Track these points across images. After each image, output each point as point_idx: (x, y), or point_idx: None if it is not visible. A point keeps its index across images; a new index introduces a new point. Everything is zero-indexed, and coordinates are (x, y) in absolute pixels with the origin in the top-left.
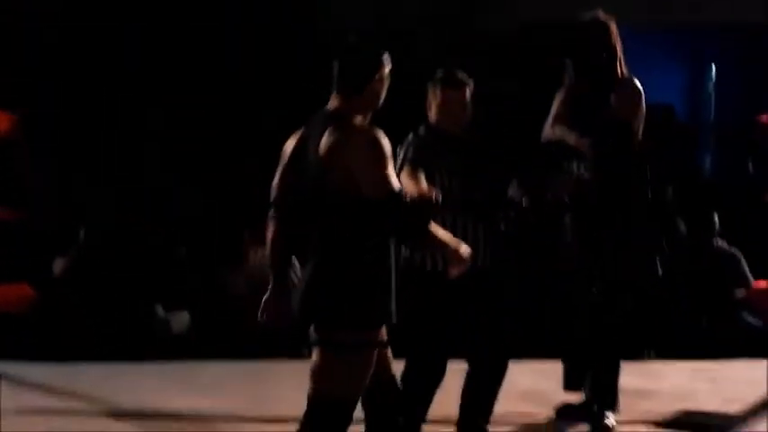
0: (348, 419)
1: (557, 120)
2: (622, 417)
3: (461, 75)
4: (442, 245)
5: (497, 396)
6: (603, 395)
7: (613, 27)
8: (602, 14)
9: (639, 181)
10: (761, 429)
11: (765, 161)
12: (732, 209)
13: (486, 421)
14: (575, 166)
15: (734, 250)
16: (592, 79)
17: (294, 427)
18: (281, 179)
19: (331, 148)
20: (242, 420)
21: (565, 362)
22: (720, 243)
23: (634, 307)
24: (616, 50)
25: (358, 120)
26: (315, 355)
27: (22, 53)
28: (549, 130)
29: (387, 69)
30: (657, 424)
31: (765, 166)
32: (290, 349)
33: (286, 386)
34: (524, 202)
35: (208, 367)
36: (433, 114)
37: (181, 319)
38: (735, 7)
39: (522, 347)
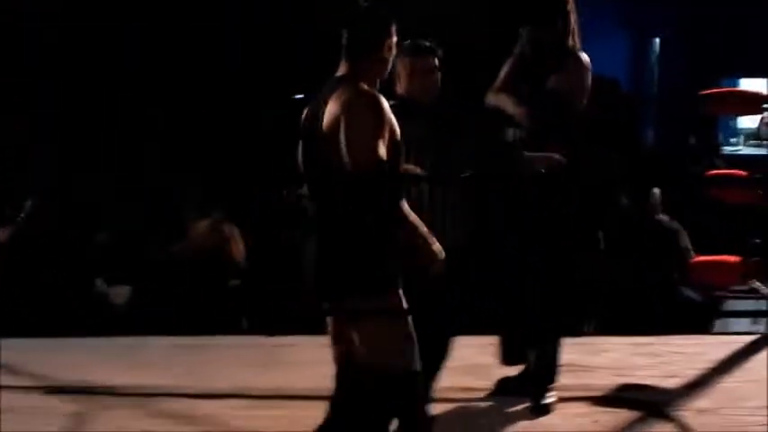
0: (407, 394)
1: (501, 88)
2: (562, 392)
3: (430, 43)
4: (417, 236)
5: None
6: (545, 370)
7: None
8: None
9: (580, 154)
10: (701, 404)
11: (708, 135)
12: (675, 183)
13: None
14: (511, 134)
15: (676, 224)
16: (542, 49)
17: (236, 401)
18: (300, 153)
19: (334, 112)
20: (183, 396)
21: (502, 335)
22: (663, 217)
23: (575, 280)
24: (570, 20)
25: (364, 86)
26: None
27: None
28: (491, 97)
29: (395, 38)
30: (597, 399)
31: (707, 140)
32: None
33: (226, 362)
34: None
35: (149, 342)
36: (401, 85)
37: (122, 293)
38: None
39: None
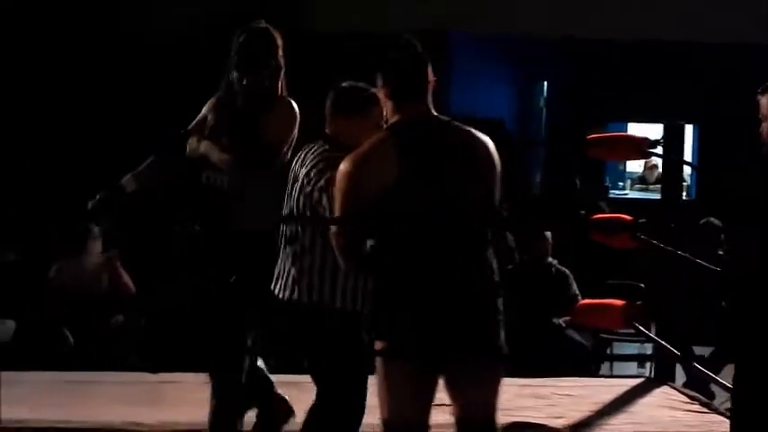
0: None
1: (208, 132)
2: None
3: (361, 87)
4: None
5: None
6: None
7: (279, 39)
8: (264, 23)
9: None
10: None
11: (594, 179)
12: (562, 226)
13: None
14: (213, 179)
15: (563, 268)
16: (249, 94)
17: None
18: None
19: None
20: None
21: None
22: (551, 260)
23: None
24: (280, 65)
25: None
26: None
27: None
28: (195, 144)
29: None
30: None
31: (593, 183)
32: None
33: (109, 397)
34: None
35: (29, 376)
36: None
37: (5, 328)
38: (571, 23)
39: None
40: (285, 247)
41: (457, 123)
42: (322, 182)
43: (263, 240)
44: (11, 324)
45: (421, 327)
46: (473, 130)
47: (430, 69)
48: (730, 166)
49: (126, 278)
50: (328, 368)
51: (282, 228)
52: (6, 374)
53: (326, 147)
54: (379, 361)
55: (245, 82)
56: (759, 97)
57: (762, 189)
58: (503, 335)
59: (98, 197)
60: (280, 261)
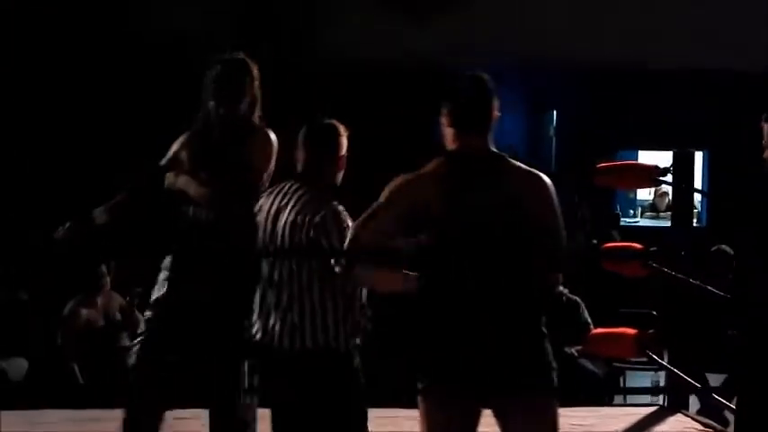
0: None
1: (186, 167)
2: None
3: (335, 124)
4: None
5: None
6: None
7: (255, 70)
8: (241, 54)
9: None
10: None
11: (605, 207)
12: (575, 255)
13: None
14: (193, 214)
15: (575, 297)
16: (226, 126)
17: None
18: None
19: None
20: None
21: None
22: (562, 289)
23: None
24: (257, 96)
25: None
26: None
27: None
28: (172, 179)
29: None
30: None
31: (601, 212)
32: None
33: None
34: None
35: (46, 415)
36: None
37: (18, 367)
38: (580, 52)
39: None
40: (270, 288)
41: (512, 161)
42: (317, 218)
43: (246, 274)
44: (23, 362)
45: (463, 365)
46: (530, 169)
47: (496, 105)
48: (740, 192)
49: (137, 314)
50: (338, 412)
51: (266, 270)
52: (25, 413)
53: (303, 185)
54: (422, 401)
55: (221, 113)
56: (763, 124)
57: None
58: (553, 370)
59: (66, 226)
60: (260, 303)
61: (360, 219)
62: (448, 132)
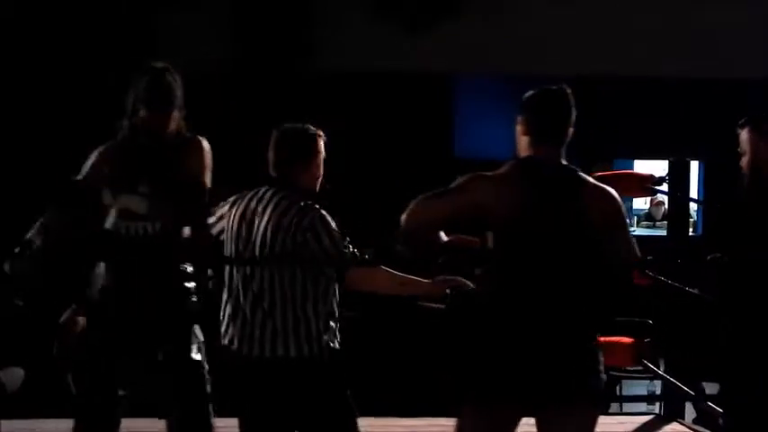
0: None
1: (114, 181)
2: None
3: (311, 128)
4: None
5: None
6: None
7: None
8: (162, 64)
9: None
10: None
11: None
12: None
13: None
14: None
15: None
16: (156, 135)
17: None
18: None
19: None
20: None
21: None
22: None
23: None
24: (182, 106)
25: None
26: None
27: None
28: (108, 199)
29: None
30: None
31: None
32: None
33: None
34: None
35: (44, 424)
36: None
37: (14, 376)
38: (576, 61)
39: None
40: (245, 296)
41: (582, 174)
42: (305, 221)
43: (200, 285)
44: (20, 372)
45: (516, 374)
46: (599, 184)
47: (573, 118)
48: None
49: None
50: (327, 422)
51: (236, 277)
52: (22, 423)
53: (280, 190)
54: (467, 409)
55: (152, 123)
56: (739, 131)
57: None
58: (602, 381)
59: (15, 252)
60: (232, 311)
61: (421, 198)
62: (522, 140)
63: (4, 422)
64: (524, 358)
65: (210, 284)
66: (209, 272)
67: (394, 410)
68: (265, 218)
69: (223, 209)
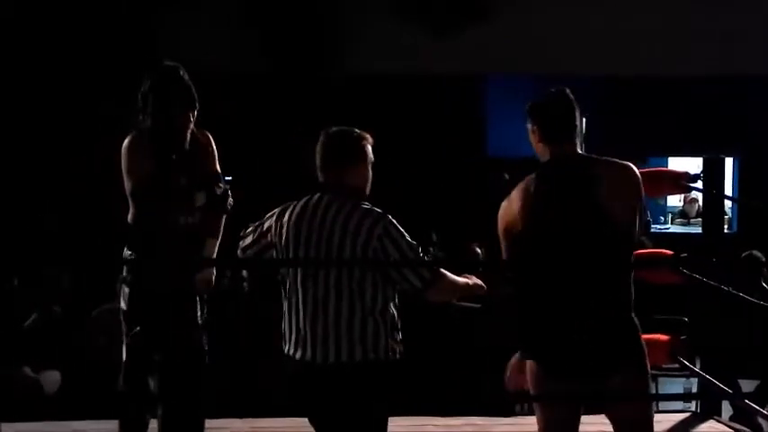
0: None
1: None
2: None
3: (357, 131)
4: None
5: None
6: None
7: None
8: (169, 62)
9: None
10: None
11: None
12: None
13: None
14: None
15: None
16: (180, 133)
17: None
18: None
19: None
20: None
21: None
22: None
23: None
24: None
25: None
26: None
27: None
28: (139, 194)
29: None
30: None
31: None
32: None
33: None
34: None
35: (81, 426)
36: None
37: (52, 379)
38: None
39: None
40: (301, 301)
41: (596, 157)
42: (379, 228)
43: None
44: (56, 375)
45: (568, 344)
46: (612, 159)
47: (578, 114)
48: None
49: None
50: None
51: (294, 284)
52: (59, 424)
53: (336, 198)
54: (534, 379)
55: (180, 120)
56: None
57: None
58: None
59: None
60: (294, 318)
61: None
62: (538, 147)
63: (42, 423)
64: (573, 337)
65: (246, 286)
66: (244, 273)
67: (429, 409)
68: (327, 224)
69: (268, 222)
